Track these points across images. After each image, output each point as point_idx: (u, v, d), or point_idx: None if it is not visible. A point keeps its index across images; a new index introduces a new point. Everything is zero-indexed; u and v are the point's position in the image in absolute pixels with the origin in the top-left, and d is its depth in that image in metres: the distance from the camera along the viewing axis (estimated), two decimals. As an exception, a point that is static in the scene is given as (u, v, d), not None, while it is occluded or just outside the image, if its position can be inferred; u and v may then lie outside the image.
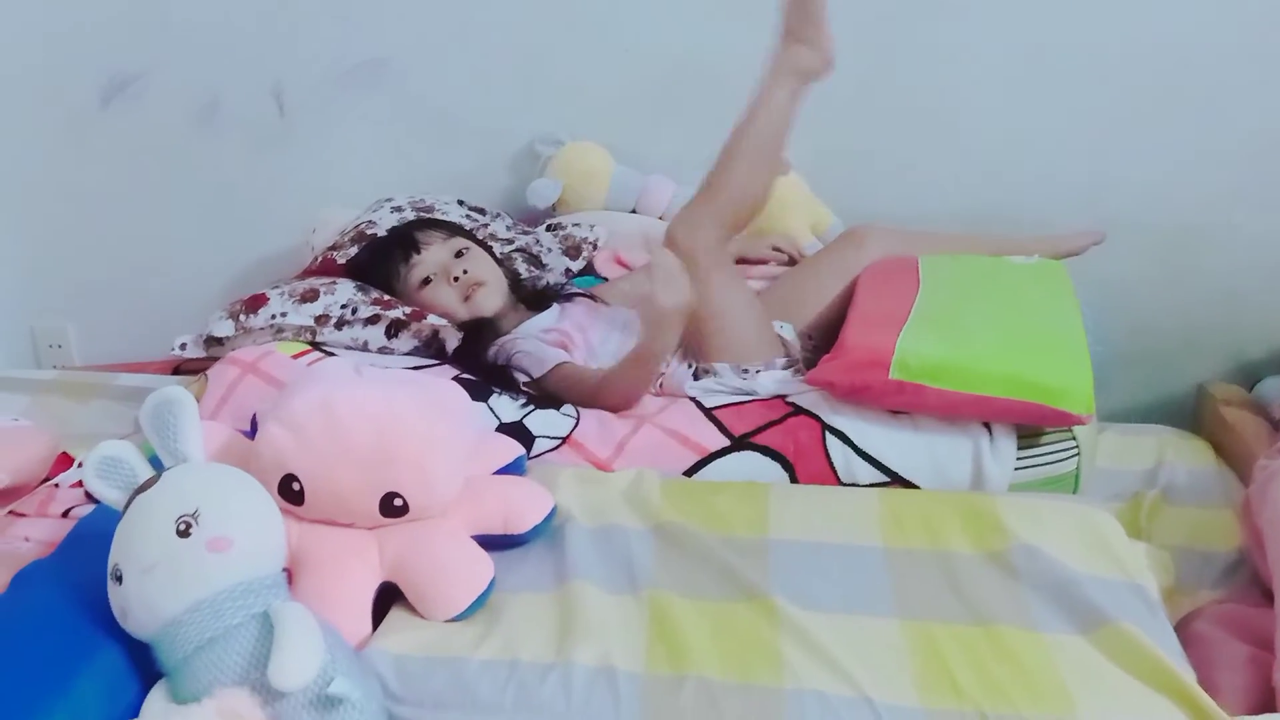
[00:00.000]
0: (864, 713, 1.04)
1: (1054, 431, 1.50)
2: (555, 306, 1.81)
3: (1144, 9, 1.96)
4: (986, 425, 1.50)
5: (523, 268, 1.97)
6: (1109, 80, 2.00)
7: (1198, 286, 2.10)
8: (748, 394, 1.60)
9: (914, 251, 1.79)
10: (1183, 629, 1.23)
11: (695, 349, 1.68)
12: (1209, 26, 1.95)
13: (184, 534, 1.06)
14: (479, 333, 1.75)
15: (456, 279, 1.78)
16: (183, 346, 1.79)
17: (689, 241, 1.64)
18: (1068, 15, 1.97)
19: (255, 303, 1.77)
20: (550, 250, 2.03)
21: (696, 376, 1.67)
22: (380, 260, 1.84)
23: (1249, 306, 2.10)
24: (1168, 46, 1.97)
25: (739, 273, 1.81)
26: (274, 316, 1.74)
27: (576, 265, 2.02)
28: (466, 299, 1.78)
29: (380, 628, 1.18)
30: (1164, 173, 2.05)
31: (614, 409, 1.60)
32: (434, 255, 1.81)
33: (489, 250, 1.89)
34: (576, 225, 2.08)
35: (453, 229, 1.89)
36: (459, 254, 1.81)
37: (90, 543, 1.19)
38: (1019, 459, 1.49)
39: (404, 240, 1.84)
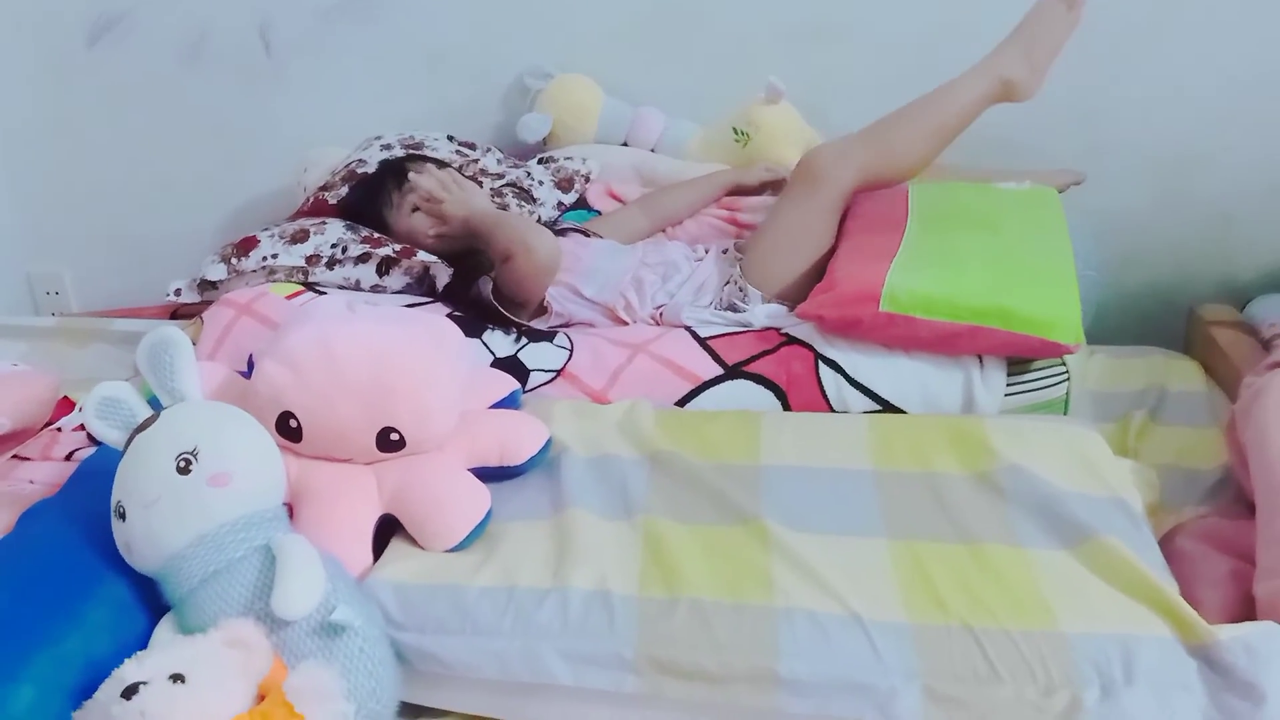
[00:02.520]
0: (853, 629, 1.07)
1: (1044, 359, 1.51)
2: None
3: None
4: (977, 354, 1.51)
5: (513, 202, 1.97)
6: (1100, 4, 1.98)
7: (1190, 210, 2.10)
8: (742, 325, 1.61)
9: (870, 157, 1.71)
10: (1166, 544, 1.25)
11: (751, 257, 1.70)
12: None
13: (184, 470, 1.08)
14: (470, 269, 1.75)
15: None
16: (177, 292, 1.80)
17: (828, 164, 1.66)
18: (1060, -65, 1.94)
19: (246, 245, 1.77)
20: (542, 183, 2.02)
21: (723, 300, 1.68)
22: (373, 193, 1.85)
23: (1241, 229, 2.10)
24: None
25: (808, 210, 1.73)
26: (265, 258, 1.75)
27: (569, 198, 2.02)
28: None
29: (380, 558, 1.21)
30: (1157, 97, 2.03)
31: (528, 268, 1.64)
32: (425, 183, 1.81)
33: (479, 185, 1.90)
34: (569, 158, 2.08)
35: (441, 163, 1.90)
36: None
37: (94, 482, 1.22)
38: (1009, 385, 1.50)
39: (395, 170, 1.85)
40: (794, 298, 1.64)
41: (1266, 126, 2.03)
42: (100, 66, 2.29)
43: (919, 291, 1.47)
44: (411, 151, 1.97)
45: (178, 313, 2.00)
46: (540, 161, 2.09)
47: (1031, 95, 1.70)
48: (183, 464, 1.09)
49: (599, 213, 2.04)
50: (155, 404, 1.18)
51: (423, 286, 1.77)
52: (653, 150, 2.13)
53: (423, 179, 1.77)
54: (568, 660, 1.07)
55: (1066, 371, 1.51)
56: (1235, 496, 1.42)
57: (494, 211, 1.78)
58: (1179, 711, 1.00)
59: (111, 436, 1.16)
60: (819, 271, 1.63)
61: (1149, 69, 2.01)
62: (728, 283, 1.69)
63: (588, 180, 2.06)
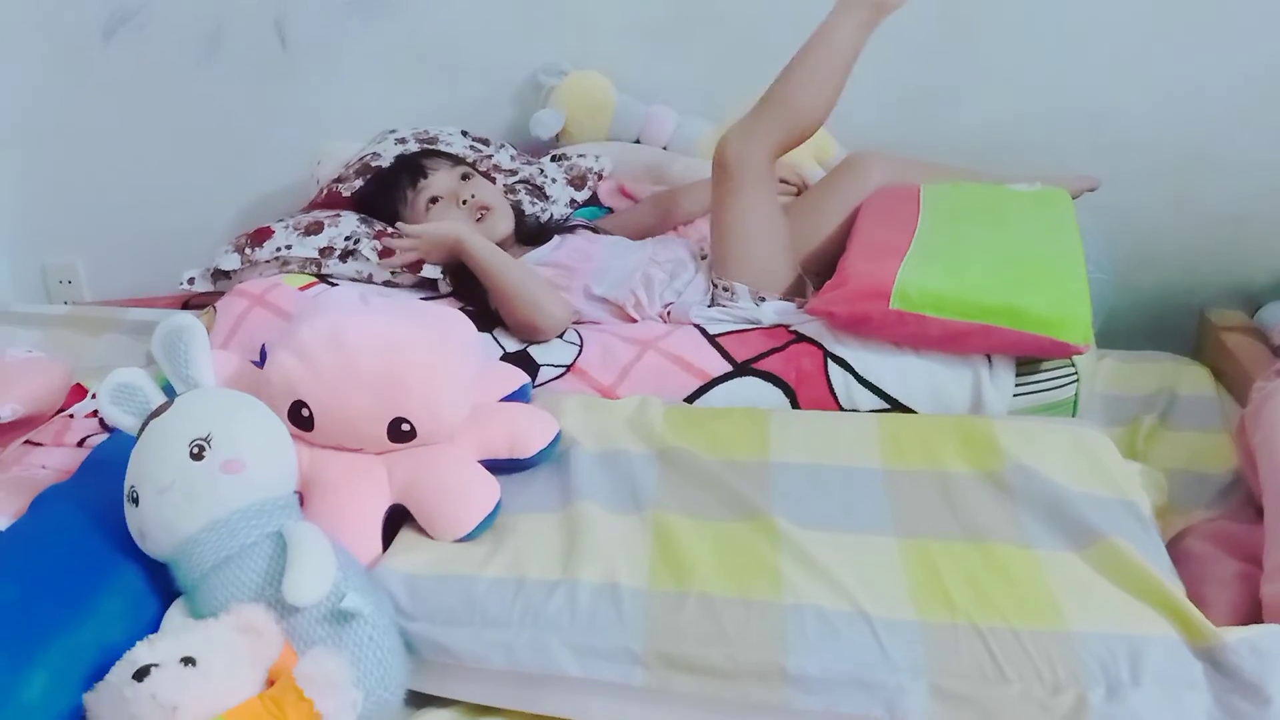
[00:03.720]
0: (860, 626, 1.07)
1: (1053, 359, 1.51)
2: (555, 238, 1.82)
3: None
4: (986, 354, 1.51)
5: (525, 199, 1.97)
6: (1112, 4, 1.98)
7: (1201, 213, 2.09)
8: (751, 322, 1.62)
9: (912, 179, 1.78)
10: (1174, 546, 1.26)
11: (716, 261, 1.69)
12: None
13: (197, 457, 1.09)
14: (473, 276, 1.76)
15: (464, 201, 1.79)
16: (190, 281, 1.81)
17: (737, 149, 1.65)
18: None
19: (260, 236, 1.78)
20: (555, 180, 2.03)
21: (713, 301, 1.68)
22: (387, 188, 1.85)
23: (1252, 233, 2.09)
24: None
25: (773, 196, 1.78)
26: (279, 249, 1.75)
27: (581, 195, 2.03)
28: (477, 223, 1.79)
29: (390, 548, 1.21)
30: (1169, 98, 2.03)
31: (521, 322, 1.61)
32: (441, 179, 1.83)
33: (493, 181, 1.90)
34: (581, 156, 2.08)
35: (456, 159, 1.90)
36: (465, 177, 1.83)
37: (106, 468, 1.23)
38: (1018, 386, 1.50)
39: (411, 166, 1.86)
40: (780, 285, 1.65)
41: (1277, 130, 2.02)
42: (116, 60, 2.30)
43: (929, 289, 1.47)
44: (427, 147, 1.98)
45: (190, 303, 2.02)
46: (553, 158, 2.09)
47: (903, 3, 1.68)
48: (196, 450, 1.09)
49: (610, 210, 2.04)
50: (169, 391, 1.19)
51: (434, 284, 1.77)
52: (665, 148, 2.13)
53: (399, 246, 1.72)
54: (576, 653, 1.08)
55: (1076, 373, 1.51)
56: (1244, 500, 1.42)
57: (499, 261, 1.66)
58: (1185, 712, 1.00)
59: (126, 422, 1.17)
60: (792, 254, 1.66)
61: (1161, 71, 2.01)
62: (714, 286, 1.69)
63: (600, 177, 2.07)
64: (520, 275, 1.64)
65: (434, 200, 1.80)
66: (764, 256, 1.66)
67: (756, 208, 1.66)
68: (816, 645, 1.06)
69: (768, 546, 1.17)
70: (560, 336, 1.61)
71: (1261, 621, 1.13)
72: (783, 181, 1.99)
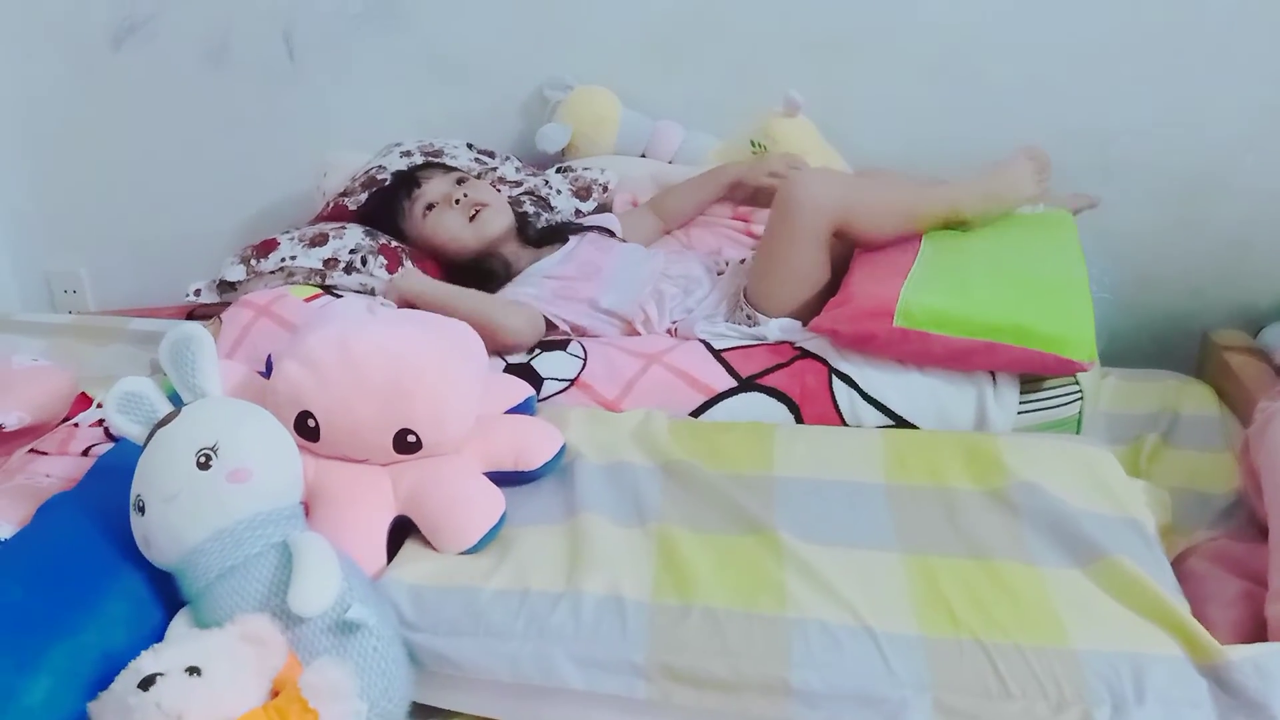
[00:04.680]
0: (864, 640, 1.07)
1: (1057, 377, 1.52)
2: (571, 241, 1.83)
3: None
4: (991, 371, 1.52)
5: (531, 210, 1.98)
6: (1119, 26, 1.99)
7: (1205, 235, 2.10)
8: (757, 338, 1.62)
9: (850, 195, 1.68)
10: (1178, 565, 1.25)
11: (753, 292, 1.67)
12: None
13: (204, 466, 1.09)
14: (487, 276, 1.77)
15: (458, 201, 1.81)
16: (196, 293, 1.81)
17: (816, 197, 1.60)
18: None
19: (266, 247, 1.79)
20: (560, 192, 2.04)
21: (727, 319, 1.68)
22: (387, 205, 1.87)
23: (1256, 255, 2.10)
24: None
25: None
26: (284, 260, 1.76)
27: (587, 206, 2.03)
28: (471, 220, 1.79)
29: (395, 559, 1.21)
30: (1175, 121, 2.04)
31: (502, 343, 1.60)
32: (435, 185, 1.84)
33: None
34: (587, 168, 2.09)
35: (452, 169, 1.92)
36: (460, 181, 1.85)
37: (111, 476, 1.23)
38: (1022, 403, 1.50)
39: (406, 179, 1.88)
40: (806, 318, 1.64)
41: (1282, 153, 2.03)
42: (124, 69, 2.31)
43: (933, 307, 1.48)
44: (429, 160, 1.99)
45: (194, 313, 2.02)
46: (558, 170, 2.10)
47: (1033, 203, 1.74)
48: (203, 459, 1.10)
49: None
50: (175, 400, 1.19)
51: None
52: (670, 162, 2.14)
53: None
54: (579, 664, 1.08)
55: (1080, 390, 1.51)
56: (1247, 520, 1.42)
57: (443, 293, 1.68)
58: (1189, 730, 1.01)
59: (132, 431, 1.17)
60: (825, 297, 1.63)
61: (1166, 92, 2.02)
62: (738, 309, 1.70)
63: (605, 189, 2.08)
64: (469, 303, 1.62)
65: (430, 207, 1.82)
66: (800, 301, 1.65)
67: (809, 256, 1.63)
68: (820, 659, 1.06)
69: (771, 560, 1.17)
70: (564, 349, 1.61)
71: (1265, 640, 1.13)
72: (773, 176, 1.98)
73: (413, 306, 1.68)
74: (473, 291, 1.70)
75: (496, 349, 1.59)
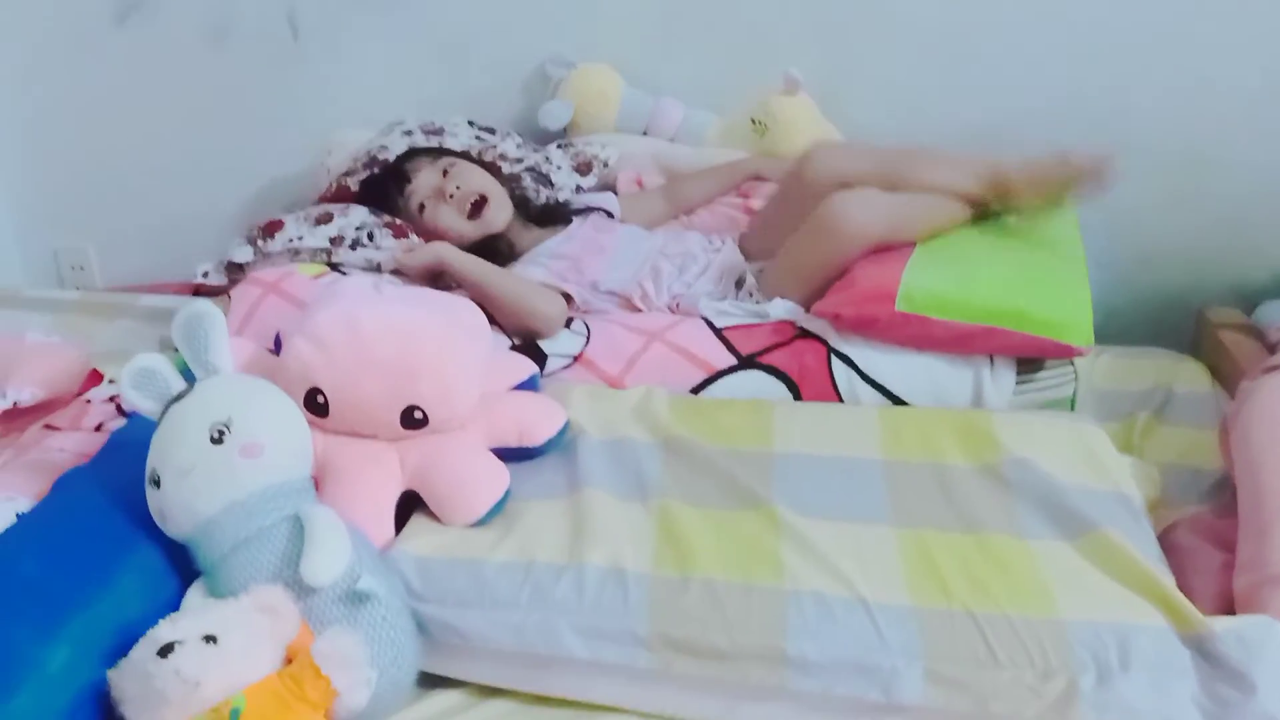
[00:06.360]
0: (858, 611, 1.11)
1: (1054, 360, 1.54)
2: (574, 221, 1.84)
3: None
4: (989, 354, 1.54)
5: (531, 186, 1.99)
6: (1117, 4, 2.00)
7: (1201, 212, 2.11)
8: (758, 317, 1.64)
9: (865, 167, 1.73)
10: (1163, 539, 1.28)
11: (770, 284, 1.69)
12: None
13: (217, 440, 1.12)
14: (491, 257, 1.78)
15: (451, 195, 1.81)
16: (205, 275, 1.83)
17: (861, 220, 1.61)
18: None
19: (272, 228, 1.81)
20: (560, 168, 2.05)
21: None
22: (382, 195, 1.88)
23: (1251, 233, 2.10)
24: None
25: None
26: (291, 240, 1.78)
27: (587, 181, 2.04)
28: (471, 216, 1.81)
29: (402, 532, 1.24)
30: (1172, 98, 2.04)
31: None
32: (423, 180, 1.84)
33: (482, 164, 1.92)
34: (588, 144, 2.10)
35: (437, 153, 1.92)
36: (445, 172, 1.84)
37: (126, 451, 1.26)
38: (1017, 385, 1.53)
39: (395, 175, 1.88)
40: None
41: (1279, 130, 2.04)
42: (128, 46, 2.31)
43: (935, 291, 1.50)
44: (411, 148, 1.98)
45: (201, 290, 2.04)
46: (559, 146, 2.12)
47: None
48: (216, 434, 1.12)
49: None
50: (188, 376, 1.22)
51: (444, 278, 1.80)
52: (671, 140, 2.15)
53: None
54: (582, 635, 1.11)
55: (1075, 373, 1.54)
56: (1232, 495, 1.44)
57: (482, 271, 1.69)
58: (1173, 699, 1.04)
59: (146, 406, 1.19)
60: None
61: (1163, 71, 2.03)
62: (749, 295, 1.70)
63: (606, 165, 2.08)
64: (509, 284, 1.65)
65: (422, 206, 1.83)
66: (812, 299, 1.65)
67: (838, 269, 1.63)
68: (815, 629, 1.09)
69: (769, 534, 1.20)
70: (567, 326, 1.64)
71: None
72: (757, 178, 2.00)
73: (439, 278, 1.71)
74: (513, 274, 1.71)
75: (522, 334, 1.61)
